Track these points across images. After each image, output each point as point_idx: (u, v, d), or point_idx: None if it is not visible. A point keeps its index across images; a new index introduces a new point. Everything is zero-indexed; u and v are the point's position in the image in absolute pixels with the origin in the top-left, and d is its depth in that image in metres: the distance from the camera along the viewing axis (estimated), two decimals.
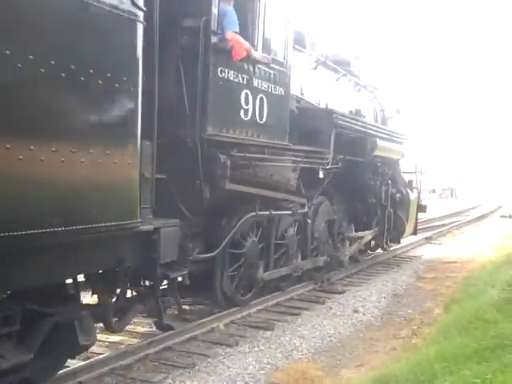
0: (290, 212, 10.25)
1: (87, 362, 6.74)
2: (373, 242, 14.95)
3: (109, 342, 7.80)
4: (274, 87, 8.80)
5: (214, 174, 7.73)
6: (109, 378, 6.63)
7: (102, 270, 5.99)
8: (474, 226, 28.53)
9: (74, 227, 4.94)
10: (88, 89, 5.02)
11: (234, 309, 9.33)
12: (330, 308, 10.42)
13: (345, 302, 10.88)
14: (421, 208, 17.05)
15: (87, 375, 6.47)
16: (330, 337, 8.83)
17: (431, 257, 17.53)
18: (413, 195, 16.15)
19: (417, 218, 16.77)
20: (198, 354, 7.57)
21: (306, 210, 10.81)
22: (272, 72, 8.73)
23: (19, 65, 4.34)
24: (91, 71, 5.03)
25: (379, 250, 15.77)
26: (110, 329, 6.62)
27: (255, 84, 8.32)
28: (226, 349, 7.86)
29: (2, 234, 4.28)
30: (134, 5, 5.47)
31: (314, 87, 11.40)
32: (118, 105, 5.49)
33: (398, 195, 15.17)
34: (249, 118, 8.23)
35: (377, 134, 13.04)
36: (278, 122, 9.03)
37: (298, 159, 10.00)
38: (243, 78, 8.03)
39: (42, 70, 4.56)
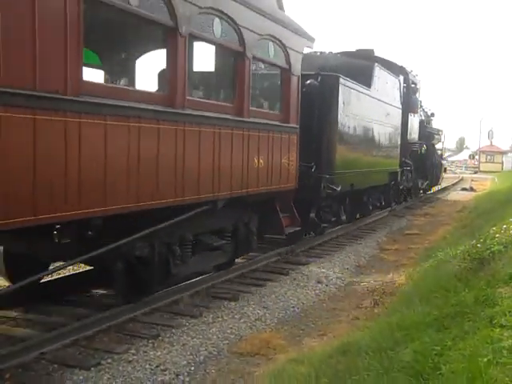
0: (409, 168, 22.14)
1: (50, 333, 6.68)
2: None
3: (72, 313, 7.74)
4: (416, 119, 23.12)
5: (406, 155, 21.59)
6: (72, 349, 6.58)
7: (387, 183, 19.09)
8: (437, 198, 28.97)
9: (389, 168, 19.06)
10: (394, 138, 19.23)
11: (200, 278, 9.39)
12: (294, 279, 10.49)
13: (308, 273, 10.97)
14: (445, 170, 33.02)
15: (50, 346, 6.42)
16: (293, 307, 8.91)
17: (394, 229, 17.77)
18: (442, 162, 31.16)
19: (442, 175, 31.50)
20: (162, 325, 7.55)
21: (412, 168, 22.60)
22: (417, 115, 23.21)
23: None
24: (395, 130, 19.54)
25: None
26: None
27: (414, 120, 22.47)
28: (189, 319, 7.86)
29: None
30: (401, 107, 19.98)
31: None
32: (397, 142, 19.74)
33: (436, 162, 28.65)
34: (413, 130, 22.32)
35: (433, 132, 27.82)
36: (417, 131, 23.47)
37: (418, 146, 24.31)
38: (412, 118, 21.83)
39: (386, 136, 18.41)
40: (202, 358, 6.69)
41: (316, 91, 12.55)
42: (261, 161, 9.85)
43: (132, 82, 10.45)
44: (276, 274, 10.68)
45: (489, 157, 73.83)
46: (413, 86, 21.88)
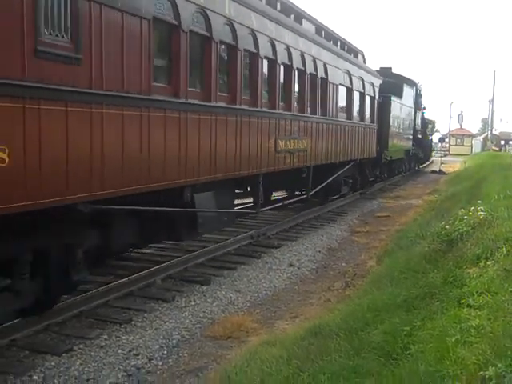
0: (414, 148, 32.16)
1: (21, 319, 6.63)
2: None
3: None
4: (419, 114, 34.97)
5: (414, 138, 32.54)
6: (43, 335, 6.56)
7: (404, 157, 29.73)
8: (407, 181, 29.24)
9: (406, 148, 30.11)
10: (409, 127, 30.34)
11: (171, 262, 9.39)
12: (266, 262, 10.55)
13: (280, 257, 11.03)
14: (433, 148, 49.37)
15: (21, 333, 6.38)
16: (265, 290, 8.96)
17: (365, 211, 17.92)
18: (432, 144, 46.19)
19: (432, 153, 46.95)
20: (135, 310, 7.56)
21: (415, 147, 33.16)
22: (420, 111, 35.29)
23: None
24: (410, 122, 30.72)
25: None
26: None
27: (419, 115, 34.16)
28: (162, 304, 7.88)
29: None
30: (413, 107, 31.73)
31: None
32: (411, 130, 30.87)
33: (428, 144, 40.80)
34: (418, 122, 34.15)
35: (428, 122, 40.28)
36: (420, 122, 35.62)
37: (420, 132, 35.10)
38: (418, 114, 33.86)
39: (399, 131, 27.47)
40: (174, 342, 6.71)
41: (379, 105, 21.93)
42: (367, 142, 19.96)
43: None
44: (248, 258, 10.73)
45: (458, 140, 74.48)
46: (419, 91, 33.87)
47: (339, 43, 17.78)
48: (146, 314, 7.43)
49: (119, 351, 6.29)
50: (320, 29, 15.74)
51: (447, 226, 8.55)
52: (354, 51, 19.68)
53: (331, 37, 16.97)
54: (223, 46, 9.61)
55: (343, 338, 5.54)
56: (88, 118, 6.18)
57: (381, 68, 25.78)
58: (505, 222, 8.08)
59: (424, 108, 37.31)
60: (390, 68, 27.32)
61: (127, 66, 6.82)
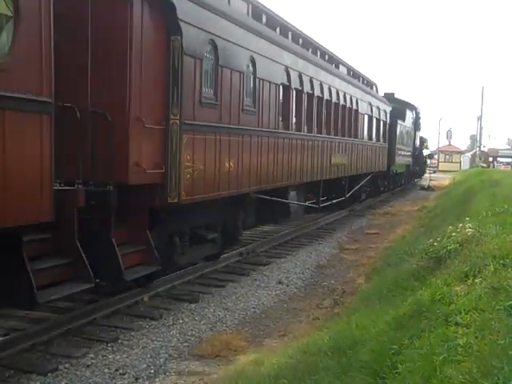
0: (413, 164, 37.12)
1: (6, 337, 6.57)
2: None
3: (29, 317, 7.61)
4: (418, 134, 39.77)
5: (413, 155, 37.64)
6: (29, 354, 6.49)
7: (405, 171, 34.33)
8: (396, 197, 29.32)
9: (406, 163, 35.13)
10: (409, 145, 35.67)
11: (159, 279, 9.31)
12: (255, 280, 10.52)
13: (269, 274, 11.00)
14: (427, 165, 50.81)
15: (5, 352, 6.31)
16: (254, 308, 8.92)
17: (354, 228, 17.92)
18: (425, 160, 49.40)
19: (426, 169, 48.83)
20: (122, 328, 7.51)
21: (413, 163, 37.47)
22: (419, 131, 40.12)
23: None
24: (411, 141, 36.42)
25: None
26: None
27: (418, 135, 39.27)
28: (149, 322, 7.83)
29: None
30: (413, 128, 37.17)
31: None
32: (411, 148, 36.20)
33: (423, 160, 44.96)
34: (417, 141, 39.42)
35: (424, 140, 45.17)
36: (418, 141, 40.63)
37: (417, 150, 39.69)
38: (417, 133, 38.96)
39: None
40: (162, 360, 6.66)
41: (389, 127, 27.01)
42: (380, 158, 25.09)
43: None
44: (236, 275, 10.70)
45: (447, 156, 74.90)
46: (418, 114, 38.22)
47: (361, 79, 23.62)
48: (133, 333, 7.38)
49: (105, 370, 6.23)
50: (349, 70, 21.78)
51: (435, 243, 8.54)
52: (370, 84, 25.84)
53: (356, 75, 22.87)
54: (307, 95, 14.60)
55: (331, 356, 5.51)
56: (256, 143, 11.26)
57: (385, 94, 30.28)
58: (492, 239, 8.07)
59: (419, 128, 41.88)
60: (393, 94, 32.04)
61: (271, 113, 12.00)
